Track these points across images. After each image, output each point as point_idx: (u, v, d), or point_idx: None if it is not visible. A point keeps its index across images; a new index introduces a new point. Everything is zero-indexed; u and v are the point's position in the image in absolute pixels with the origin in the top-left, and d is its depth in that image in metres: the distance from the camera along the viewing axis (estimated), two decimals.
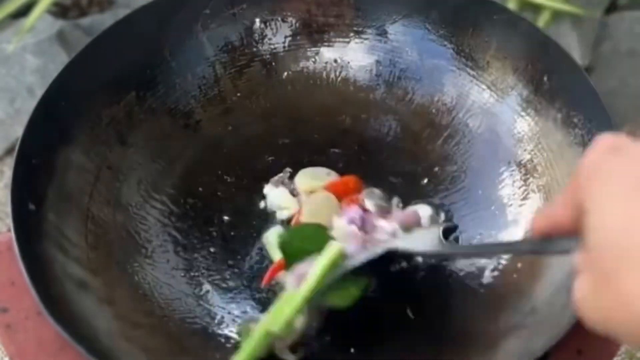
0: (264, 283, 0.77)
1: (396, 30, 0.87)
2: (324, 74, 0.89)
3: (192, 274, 0.79)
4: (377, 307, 0.76)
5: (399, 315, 0.76)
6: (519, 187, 0.79)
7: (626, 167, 0.38)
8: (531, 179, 0.79)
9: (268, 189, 0.83)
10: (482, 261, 0.77)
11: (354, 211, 0.74)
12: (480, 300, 0.75)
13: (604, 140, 0.41)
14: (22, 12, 1.35)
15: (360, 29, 0.88)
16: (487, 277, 0.76)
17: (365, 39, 0.88)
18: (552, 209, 0.48)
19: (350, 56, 0.89)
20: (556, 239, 0.50)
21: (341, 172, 0.86)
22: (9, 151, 1.42)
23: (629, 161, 0.38)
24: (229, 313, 0.77)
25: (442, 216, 0.81)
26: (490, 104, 0.83)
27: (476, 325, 0.73)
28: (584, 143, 0.75)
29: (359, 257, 0.70)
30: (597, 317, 0.39)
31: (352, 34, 0.89)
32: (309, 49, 0.89)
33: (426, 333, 0.74)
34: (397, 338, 0.75)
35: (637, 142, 0.39)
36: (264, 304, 0.77)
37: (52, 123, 0.76)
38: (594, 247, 0.39)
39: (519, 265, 0.75)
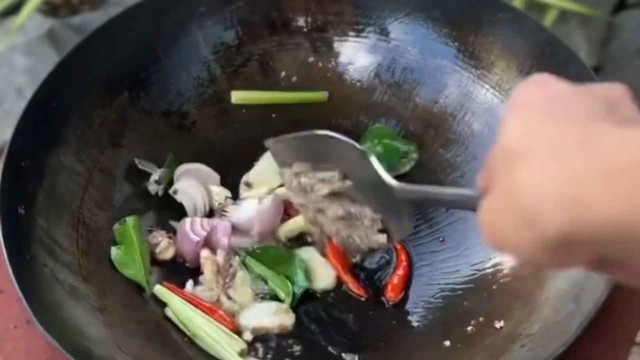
0: None
1: (398, 28, 0.87)
2: (324, 73, 0.88)
3: None
4: (377, 310, 0.76)
5: (401, 320, 0.75)
6: None
7: (539, 95, 0.45)
8: None
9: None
10: (488, 268, 0.76)
11: None
12: (486, 308, 0.74)
13: (535, 77, 0.46)
14: (11, 10, 1.35)
15: (360, 27, 0.87)
16: (493, 285, 0.75)
17: (366, 37, 0.87)
18: None
19: (351, 56, 0.88)
20: None
21: None
22: None
23: (544, 92, 0.45)
24: None
25: None
26: (495, 104, 0.82)
27: (481, 334, 0.72)
28: None
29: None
30: (496, 229, 0.42)
31: (352, 33, 0.88)
32: (308, 48, 0.88)
33: (430, 339, 0.74)
34: (399, 344, 0.74)
35: (561, 80, 0.45)
36: None
37: (42, 125, 0.76)
38: (494, 155, 0.44)
39: (525, 273, 0.74)
